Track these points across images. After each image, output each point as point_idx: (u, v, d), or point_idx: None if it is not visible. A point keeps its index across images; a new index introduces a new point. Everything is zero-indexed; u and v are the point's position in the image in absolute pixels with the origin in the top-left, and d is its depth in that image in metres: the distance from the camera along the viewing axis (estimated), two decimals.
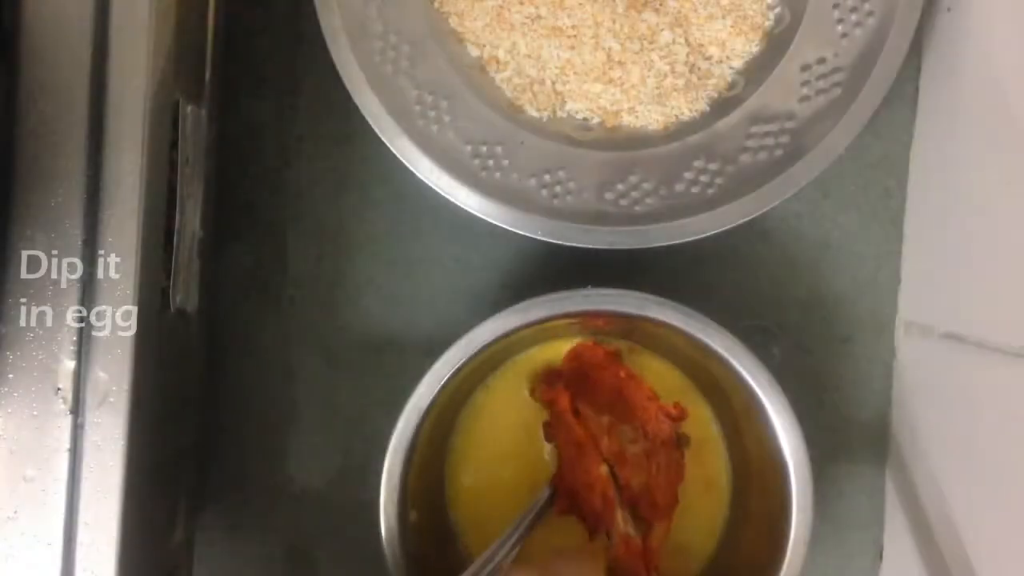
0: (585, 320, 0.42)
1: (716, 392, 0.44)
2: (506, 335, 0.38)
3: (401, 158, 0.41)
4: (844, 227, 0.49)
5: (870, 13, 0.42)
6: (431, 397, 0.38)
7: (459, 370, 0.38)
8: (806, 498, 0.38)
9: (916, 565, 0.45)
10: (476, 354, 0.38)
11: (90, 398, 0.34)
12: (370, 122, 0.41)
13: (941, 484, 0.44)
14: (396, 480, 0.38)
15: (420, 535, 0.40)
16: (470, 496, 0.44)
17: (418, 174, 0.41)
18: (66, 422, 0.34)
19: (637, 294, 0.38)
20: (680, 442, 0.44)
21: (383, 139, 0.41)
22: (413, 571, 0.38)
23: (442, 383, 0.38)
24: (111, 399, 0.34)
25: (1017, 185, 0.40)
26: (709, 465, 0.45)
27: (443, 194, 0.41)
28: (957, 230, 0.45)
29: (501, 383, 0.44)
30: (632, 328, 0.42)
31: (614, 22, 0.43)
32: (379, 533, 0.38)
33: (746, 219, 0.42)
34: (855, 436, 0.49)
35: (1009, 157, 0.41)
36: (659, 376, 0.45)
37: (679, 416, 0.44)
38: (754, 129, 0.42)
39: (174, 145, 0.38)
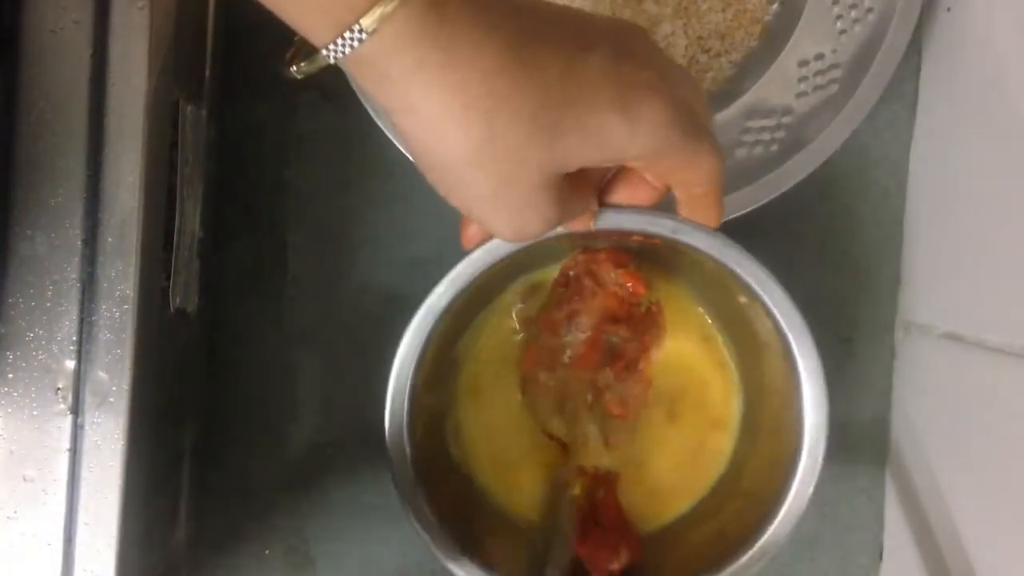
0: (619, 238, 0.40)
1: (741, 325, 0.42)
2: (528, 246, 0.36)
3: (401, 147, 0.41)
4: (844, 227, 0.48)
5: (869, 10, 0.42)
6: (449, 297, 0.37)
7: (479, 276, 0.37)
8: (820, 435, 0.37)
9: (916, 565, 0.45)
10: (499, 261, 0.36)
11: (90, 398, 0.34)
12: (373, 117, 0.41)
13: (941, 484, 0.44)
14: (404, 383, 0.38)
15: (424, 451, 0.39)
16: (475, 419, 0.43)
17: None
18: (66, 422, 0.34)
19: (672, 217, 0.36)
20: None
21: (388, 134, 0.41)
22: (417, 478, 0.38)
23: (461, 287, 0.37)
24: (111, 399, 0.34)
25: (1017, 185, 0.40)
26: (721, 405, 0.43)
27: None
28: (957, 230, 0.45)
29: (512, 297, 0.43)
30: (660, 254, 0.40)
31: (613, 13, 0.43)
32: (384, 446, 0.38)
33: (741, 212, 0.42)
34: (855, 436, 0.49)
35: (1009, 157, 0.41)
36: (682, 307, 0.43)
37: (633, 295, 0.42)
38: (750, 123, 0.43)
39: (174, 145, 0.38)
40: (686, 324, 0.43)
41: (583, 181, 0.33)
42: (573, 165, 0.29)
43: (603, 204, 0.35)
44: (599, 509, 0.42)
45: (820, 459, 0.37)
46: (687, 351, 0.43)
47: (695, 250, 0.37)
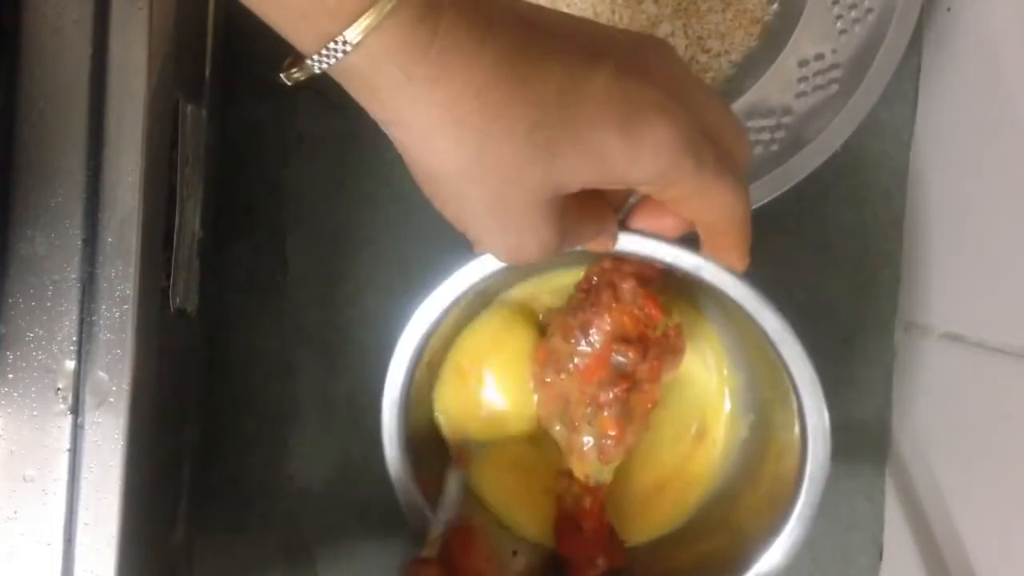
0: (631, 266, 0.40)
1: (758, 368, 0.42)
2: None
3: None
4: (844, 227, 0.48)
5: (869, 10, 0.42)
6: (457, 292, 0.36)
7: (494, 273, 0.36)
8: (815, 490, 0.37)
9: (916, 565, 0.45)
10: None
11: (90, 398, 0.34)
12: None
13: (941, 484, 0.44)
14: (402, 373, 0.37)
15: (420, 442, 0.39)
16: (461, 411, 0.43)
17: None
18: (66, 422, 0.34)
19: (696, 252, 0.35)
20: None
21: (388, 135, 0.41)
22: (410, 465, 0.38)
23: (469, 284, 0.36)
24: (111, 399, 0.34)
25: (1017, 185, 0.40)
26: (723, 438, 0.43)
27: None
28: (957, 230, 0.45)
29: (532, 291, 0.43)
30: (687, 278, 0.39)
31: (613, 12, 0.43)
32: (380, 429, 0.38)
33: None
34: (855, 436, 0.49)
35: (1009, 157, 0.41)
36: (701, 334, 0.43)
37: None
38: (751, 123, 0.43)
39: (174, 145, 0.38)
40: (702, 352, 0.43)
41: (599, 202, 0.32)
42: (572, 186, 0.27)
43: (626, 228, 0.33)
44: (583, 517, 0.42)
45: (813, 513, 0.37)
46: (698, 380, 0.43)
47: (715, 289, 0.36)
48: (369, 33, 0.24)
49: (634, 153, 0.27)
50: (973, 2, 0.44)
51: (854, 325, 0.49)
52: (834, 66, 0.42)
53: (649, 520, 0.43)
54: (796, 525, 0.37)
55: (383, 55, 0.25)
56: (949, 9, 0.46)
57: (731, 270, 0.35)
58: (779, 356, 0.37)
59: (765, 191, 0.42)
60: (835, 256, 0.49)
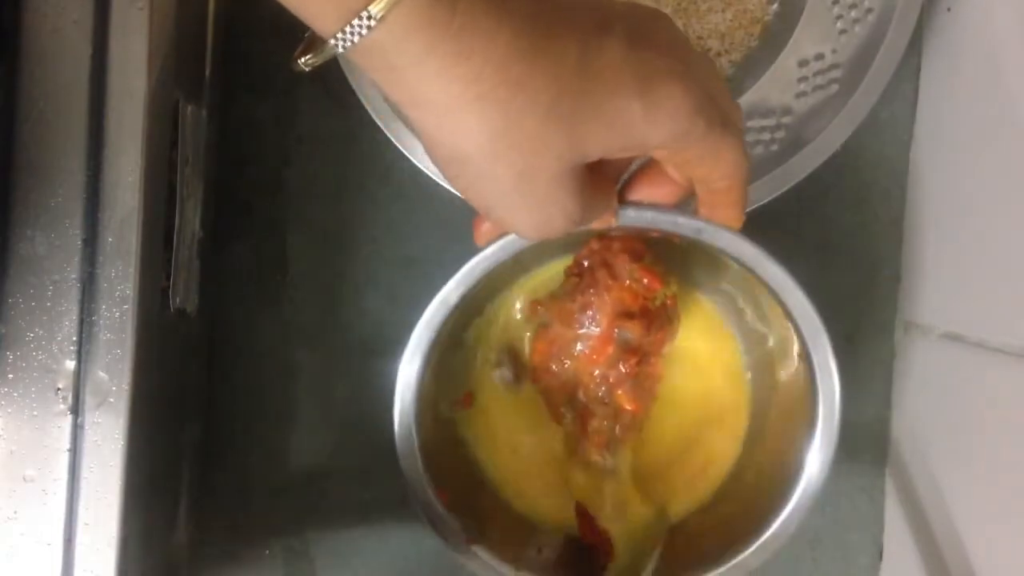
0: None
1: (756, 323, 0.42)
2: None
3: (401, 147, 0.41)
4: (844, 227, 0.48)
5: (869, 10, 0.42)
6: (461, 293, 0.37)
7: (492, 270, 0.36)
8: (830, 437, 0.38)
9: (916, 565, 0.45)
10: (512, 256, 0.36)
11: (90, 398, 0.34)
12: (373, 117, 0.41)
13: (941, 484, 0.44)
14: (413, 375, 0.37)
15: (433, 438, 0.39)
16: (485, 410, 0.43)
17: (417, 163, 0.41)
18: (66, 422, 0.34)
19: (696, 217, 0.35)
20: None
21: (387, 134, 0.41)
22: (425, 467, 0.38)
23: (473, 282, 0.37)
24: (111, 399, 0.34)
25: (1017, 185, 0.40)
26: (728, 400, 0.43)
27: (443, 183, 0.41)
28: (957, 230, 0.45)
29: (526, 285, 0.43)
30: (677, 246, 0.40)
31: None
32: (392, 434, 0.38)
33: None
34: (855, 436, 0.49)
35: (1009, 157, 0.41)
36: (694, 301, 0.44)
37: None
38: (751, 123, 0.43)
39: (174, 145, 0.38)
40: (697, 319, 0.43)
41: (602, 178, 0.32)
42: (594, 153, 0.28)
43: (624, 201, 0.34)
44: None
45: (830, 459, 0.38)
46: (697, 346, 0.43)
47: (716, 249, 0.37)
48: (393, 7, 0.24)
49: (653, 117, 0.28)
50: (973, 2, 0.44)
51: (854, 325, 0.49)
52: (834, 66, 0.43)
53: (668, 498, 0.43)
54: (807, 483, 0.38)
55: (404, 31, 0.25)
56: (949, 9, 0.46)
57: (729, 227, 0.35)
58: (782, 305, 0.37)
59: (765, 191, 0.42)
60: (835, 256, 0.49)
